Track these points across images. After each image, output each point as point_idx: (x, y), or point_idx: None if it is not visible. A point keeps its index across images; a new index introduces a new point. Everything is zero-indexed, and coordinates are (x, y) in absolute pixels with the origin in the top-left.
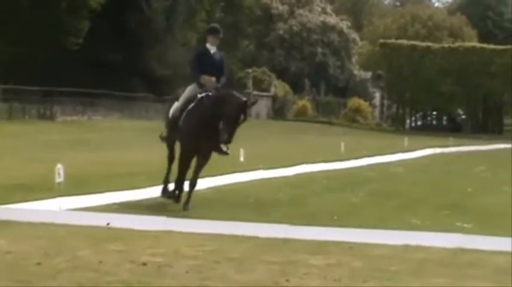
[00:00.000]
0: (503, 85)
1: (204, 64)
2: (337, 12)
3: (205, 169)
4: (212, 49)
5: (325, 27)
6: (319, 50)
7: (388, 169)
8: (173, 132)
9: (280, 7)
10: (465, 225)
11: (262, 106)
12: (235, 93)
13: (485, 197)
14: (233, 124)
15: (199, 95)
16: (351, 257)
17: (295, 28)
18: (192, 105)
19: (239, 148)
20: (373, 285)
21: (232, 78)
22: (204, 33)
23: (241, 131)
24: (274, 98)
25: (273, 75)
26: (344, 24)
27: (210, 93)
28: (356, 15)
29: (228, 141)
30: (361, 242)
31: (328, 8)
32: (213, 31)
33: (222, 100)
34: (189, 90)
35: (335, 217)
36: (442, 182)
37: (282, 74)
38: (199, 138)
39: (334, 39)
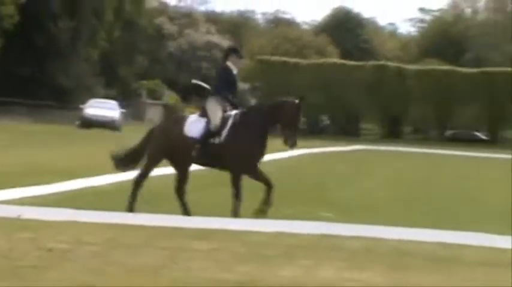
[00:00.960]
0: (360, 95)
1: (227, 82)
2: (220, 32)
3: (105, 166)
4: (234, 70)
5: (210, 45)
6: (205, 64)
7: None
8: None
9: (171, 27)
10: (327, 214)
11: (155, 113)
12: (287, 99)
13: (343, 191)
14: (296, 127)
15: (232, 112)
16: (231, 243)
17: (183, 46)
18: (234, 123)
19: None
20: (251, 266)
21: (127, 89)
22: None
23: (136, 135)
24: (166, 106)
25: (165, 86)
26: (226, 43)
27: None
28: (237, 35)
29: (295, 144)
30: (241, 229)
31: (213, 29)
32: (237, 51)
33: (279, 108)
34: (214, 106)
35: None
36: (308, 178)
37: (172, 85)
38: (258, 149)
39: (217, 56)
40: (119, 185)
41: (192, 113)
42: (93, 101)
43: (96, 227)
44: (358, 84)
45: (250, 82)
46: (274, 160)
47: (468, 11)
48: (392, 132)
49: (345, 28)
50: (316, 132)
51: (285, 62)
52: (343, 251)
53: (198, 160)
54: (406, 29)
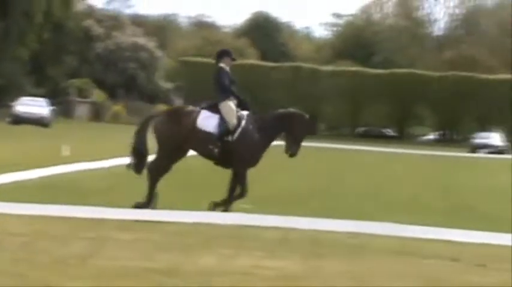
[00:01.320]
0: (277, 94)
1: (231, 81)
2: (146, 34)
3: (35, 161)
4: (227, 69)
5: (136, 47)
6: (131, 65)
7: (185, 161)
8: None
9: (99, 30)
10: (246, 206)
11: (84, 110)
12: (295, 110)
13: (262, 184)
14: (302, 139)
15: (243, 113)
16: (153, 233)
17: (111, 47)
18: (246, 124)
19: (61, 145)
20: (171, 255)
21: (57, 88)
22: (217, 55)
23: (65, 131)
24: (94, 104)
25: (93, 85)
26: (151, 45)
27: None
28: (161, 37)
29: (295, 154)
30: (162, 220)
31: (138, 31)
32: (229, 54)
33: (287, 118)
34: (230, 107)
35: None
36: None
37: (100, 84)
38: (262, 152)
39: (143, 57)
40: (48, 179)
41: (119, 111)
42: (23, 99)
43: (25, 219)
44: (275, 83)
45: (174, 81)
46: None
47: (377, 16)
48: None
49: (263, 31)
50: None
51: (207, 63)
52: (260, 240)
53: (214, 156)
54: (320, 32)
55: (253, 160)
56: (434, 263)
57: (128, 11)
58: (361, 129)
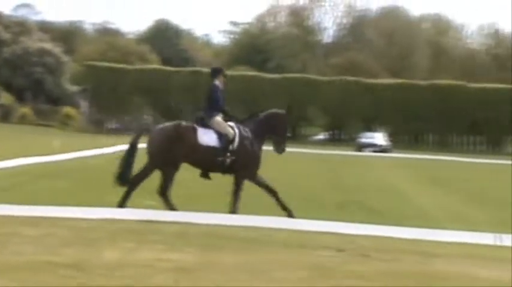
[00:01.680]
0: (178, 97)
1: (221, 98)
2: (53, 40)
3: None
4: (221, 87)
5: (43, 52)
6: (38, 69)
7: (91, 161)
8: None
9: (6, 35)
10: (150, 203)
11: None
12: (277, 110)
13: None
14: (285, 136)
15: (234, 123)
16: (58, 229)
17: (18, 52)
18: (240, 131)
19: None
20: (76, 249)
21: None
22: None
23: None
24: (2, 106)
25: (1, 88)
26: (58, 50)
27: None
28: (68, 42)
29: (283, 151)
30: (67, 217)
31: (45, 37)
32: (223, 71)
33: (272, 118)
34: (218, 121)
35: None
36: (135, 170)
37: (8, 88)
38: (259, 155)
39: (49, 61)
40: None
41: (26, 113)
42: None
43: None
44: (176, 87)
45: (80, 85)
46: (103, 154)
47: (271, 25)
48: None
49: (165, 38)
50: (144, 129)
51: (111, 68)
52: (161, 235)
53: (224, 166)
54: (219, 39)
55: (258, 163)
56: (322, 254)
57: (35, 18)
58: None
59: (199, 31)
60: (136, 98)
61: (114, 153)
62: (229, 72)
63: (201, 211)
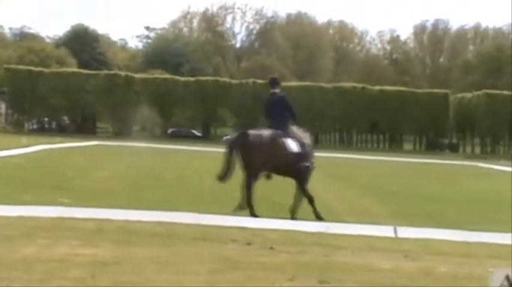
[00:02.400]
0: (95, 99)
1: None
2: None
3: None
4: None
5: None
6: None
7: (10, 160)
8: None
9: None
10: (65, 200)
11: None
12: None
13: (80, 179)
14: None
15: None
16: None
17: None
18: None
19: None
20: None
21: None
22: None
23: None
24: None
25: None
26: None
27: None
28: None
29: None
30: None
31: None
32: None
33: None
34: (296, 129)
35: None
36: (52, 169)
37: None
38: None
39: None
40: None
41: None
42: None
43: None
44: (93, 89)
45: None
46: (21, 154)
47: (186, 30)
48: (122, 131)
49: (82, 42)
50: (57, 130)
51: (29, 71)
52: (77, 231)
53: (308, 171)
54: (134, 43)
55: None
56: (231, 247)
57: None
58: (171, 130)
59: (115, 36)
60: (54, 100)
61: (34, 153)
62: (143, 76)
63: (115, 208)
